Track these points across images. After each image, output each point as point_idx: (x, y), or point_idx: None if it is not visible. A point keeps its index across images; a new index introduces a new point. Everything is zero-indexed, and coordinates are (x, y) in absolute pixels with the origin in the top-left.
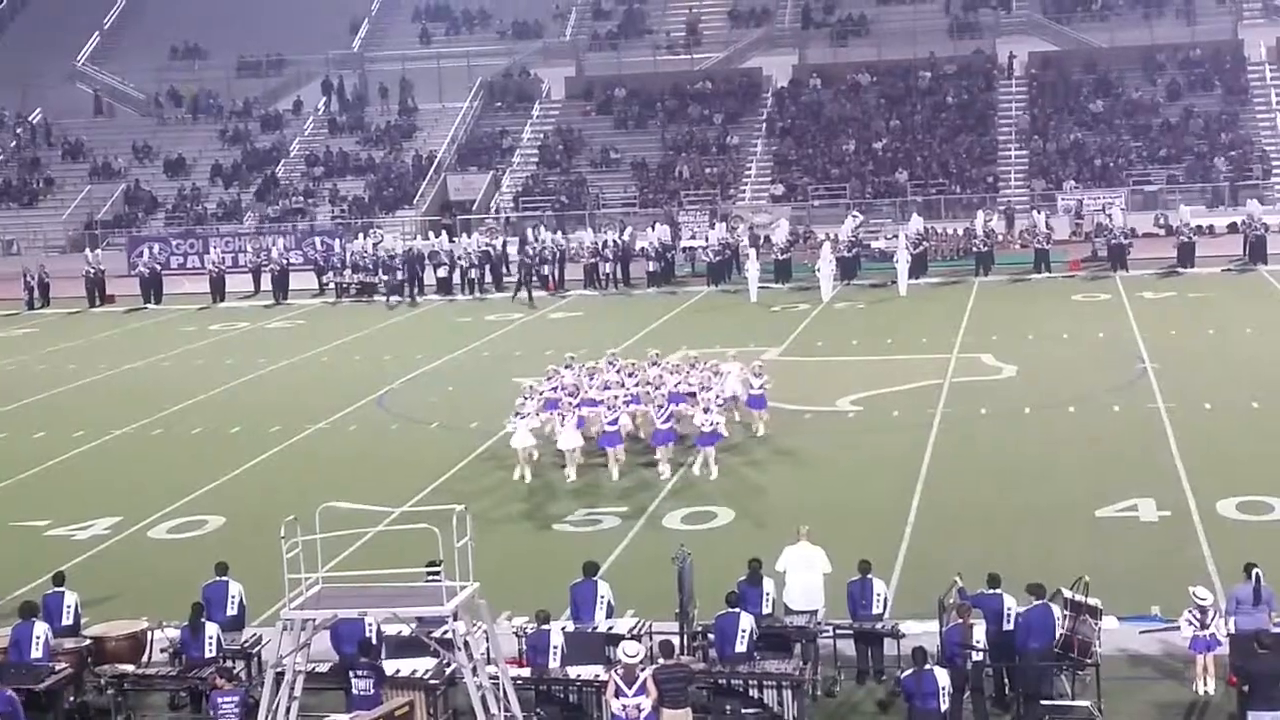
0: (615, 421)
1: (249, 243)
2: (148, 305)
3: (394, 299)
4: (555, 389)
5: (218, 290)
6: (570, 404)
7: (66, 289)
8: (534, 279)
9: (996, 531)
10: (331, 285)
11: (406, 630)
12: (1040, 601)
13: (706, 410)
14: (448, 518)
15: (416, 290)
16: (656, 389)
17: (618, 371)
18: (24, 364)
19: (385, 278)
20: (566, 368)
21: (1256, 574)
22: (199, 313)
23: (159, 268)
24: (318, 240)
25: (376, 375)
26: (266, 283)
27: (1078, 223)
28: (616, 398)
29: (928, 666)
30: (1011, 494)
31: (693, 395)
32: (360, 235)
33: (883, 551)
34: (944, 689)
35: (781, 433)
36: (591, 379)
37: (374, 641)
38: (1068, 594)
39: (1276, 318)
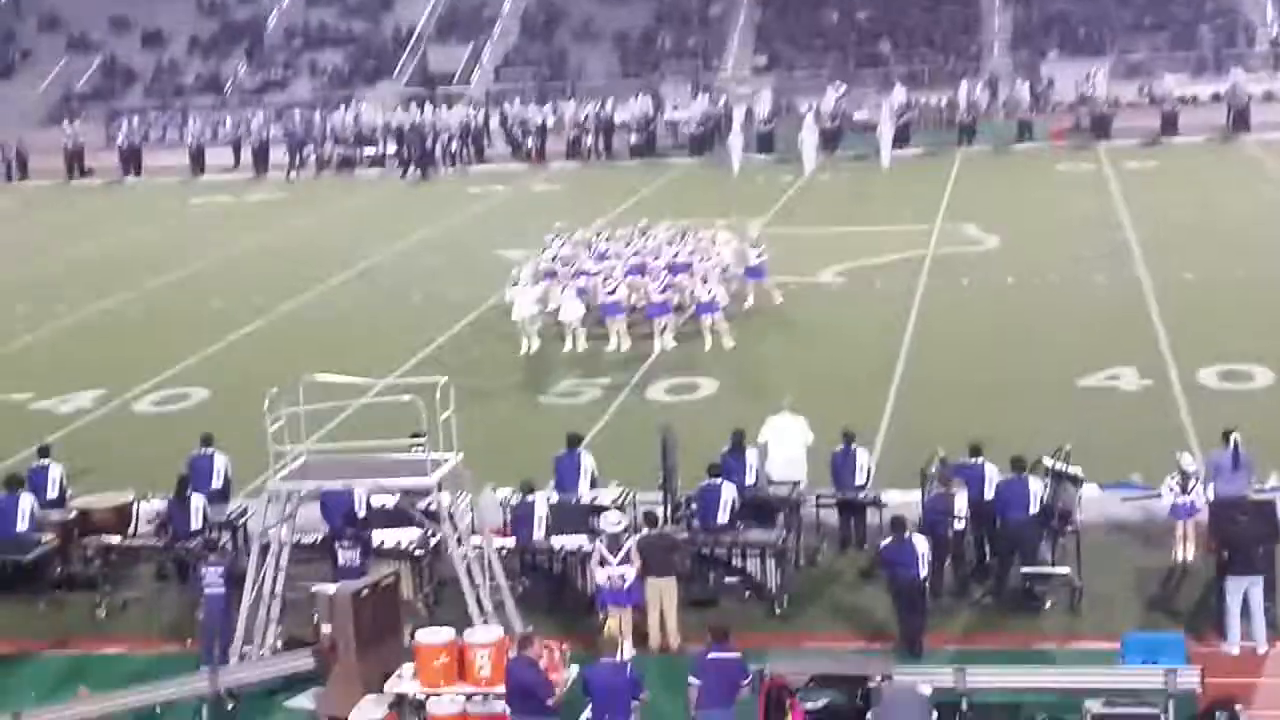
0: (614, 291)
1: (228, 115)
2: (127, 178)
3: (389, 173)
4: (553, 259)
5: (197, 163)
6: (567, 274)
7: (44, 162)
8: (435, 153)
9: (979, 402)
10: (311, 159)
11: (391, 502)
12: (1017, 475)
13: (705, 280)
14: (431, 390)
15: (426, 164)
16: (654, 259)
17: (608, 241)
18: (2, 237)
19: (370, 151)
20: (555, 239)
21: (1235, 439)
22: (179, 186)
23: (138, 141)
24: (296, 113)
25: (358, 248)
26: (246, 156)
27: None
28: (615, 268)
29: (906, 535)
30: (994, 364)
31: (688, 266)
32: (340, 107)
33: (866, 422)
34: (923, 556)
35: (764, 304)
36: (589, 249)
37: (360, 513)
38: (1049, 462)
39: (1260, 187)
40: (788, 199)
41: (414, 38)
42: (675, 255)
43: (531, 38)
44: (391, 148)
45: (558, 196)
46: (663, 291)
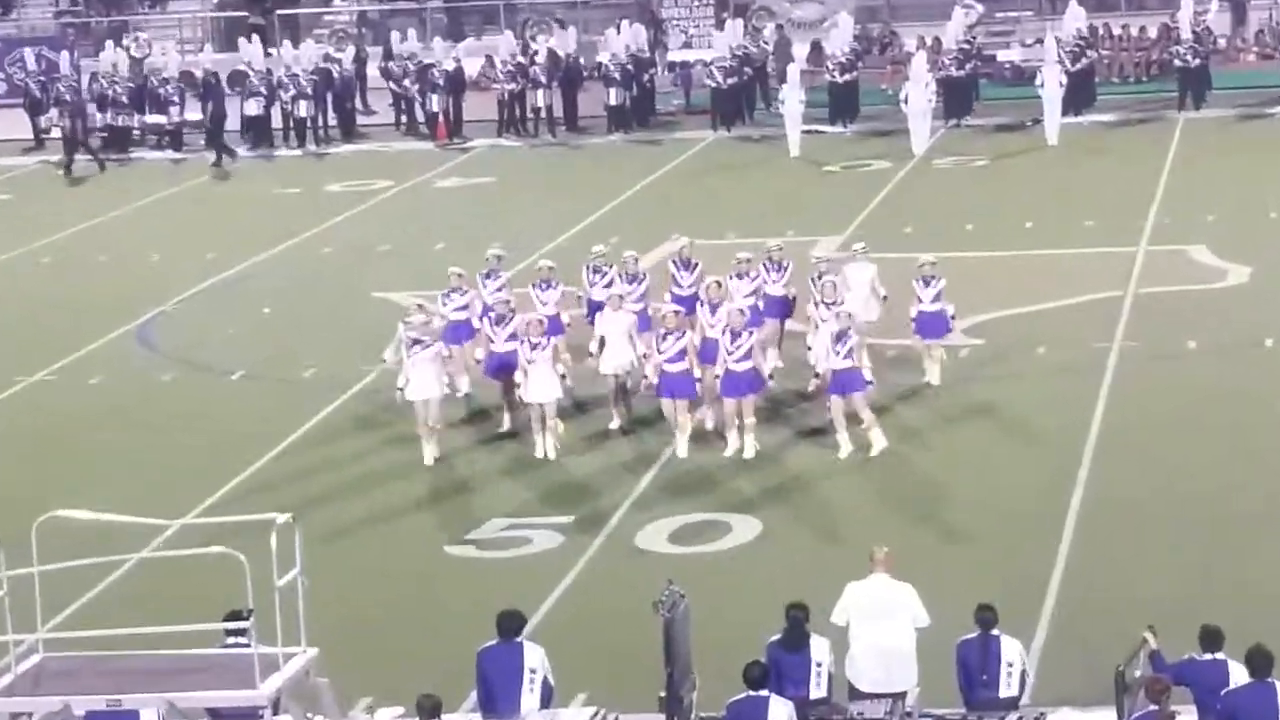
0: (682, 354)
1: None
2: None
3: (172, 153)
4: (466, 308)
5: None
6: (535, 327)
7: None
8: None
9: (1213, 554)
10: (56, 130)
11: None
12: (1260, 681)
13: (842, 338)
14: (264, 535)
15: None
16: (713, 304)
17: (605, 268)
18: None
19: (154, 118)
20: (488, 277)
21: None
22: None
23: None
24: (30, 55)
25: (137, 289)
26: None
27: None
28: (662, 313)
29: None
30: (1239, 488)
31: (787, 311)
32: (108, 47)
33: (1018, 591)
34: None
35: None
36: (539, 289)
37: None
38: None
39: None
40: (883, 201)
41: None
42: (753, 291)
43: None
44: (194, 113)
45: (482, 197)
46: (742, 358)
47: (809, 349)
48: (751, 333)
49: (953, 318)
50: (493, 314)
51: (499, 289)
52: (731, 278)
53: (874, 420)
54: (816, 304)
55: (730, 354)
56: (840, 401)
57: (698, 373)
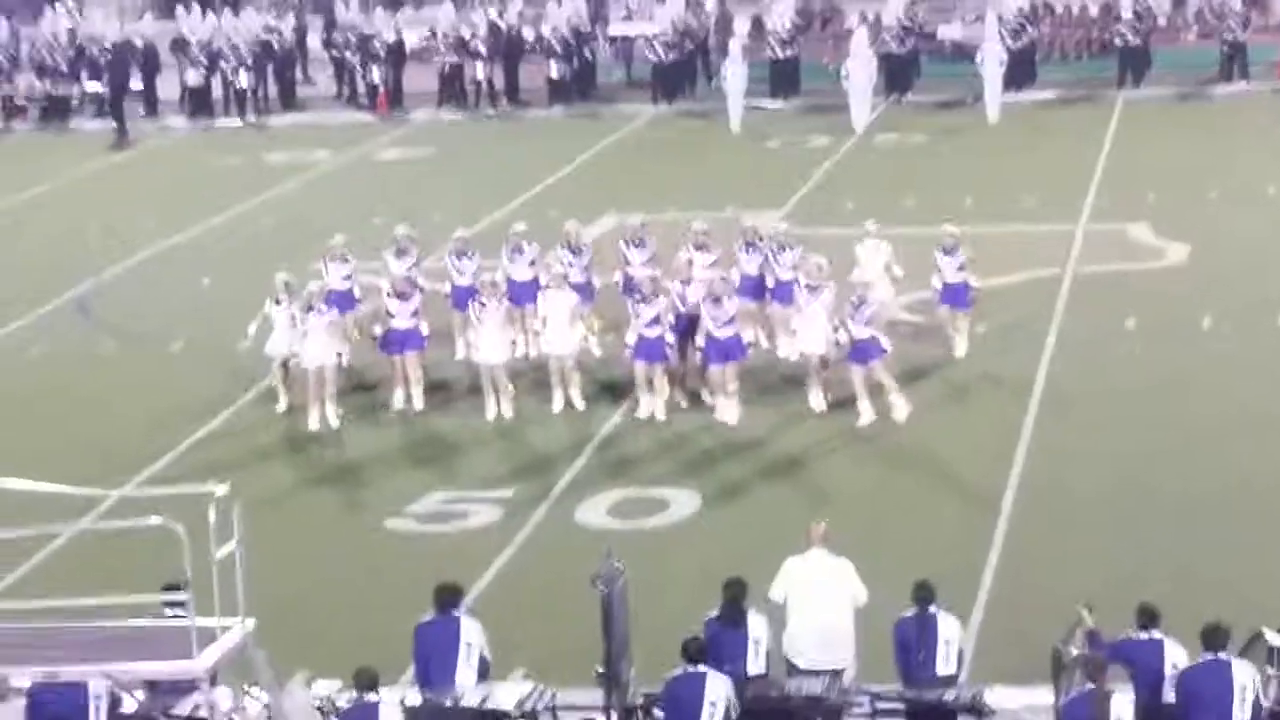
0: (657, 320)
1: None
2: None
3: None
4: (349, 277)
5: None
6: (486, 290)
7: None
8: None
9: (1150, 533)
10: None
11: (131, 703)
12: (1213, 656)
13: (860, 306)
14: (201, 506)
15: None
16: (681, 279)
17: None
18: None
19: (92, 86)
20: (399, 255)
21: None
22: None
23: None
24: None
25: (73, 259)
26: None
27: None
28: (655, 280)
29: None
30: (1177, 468)
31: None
32: (48, 10)
33: (956, 569)
34: None
35: (781, 361)
36: (462, 256)
37: None
38: (1275, 640)
39: None
40: (823, 177)
41: None
42: (717, 263)
43: None
44: (136, 82)
45: (422, 169)
46: (725, 323)
47: (793, 331)
48: (734, 299)
49: (975, 288)
50: (395, 289)
51: (409, 267)
52: (691, 250)
53: (896, 386)
54: (798, 286)
55: (714, 320)
56: (861, 370)
57: (670, 339)
